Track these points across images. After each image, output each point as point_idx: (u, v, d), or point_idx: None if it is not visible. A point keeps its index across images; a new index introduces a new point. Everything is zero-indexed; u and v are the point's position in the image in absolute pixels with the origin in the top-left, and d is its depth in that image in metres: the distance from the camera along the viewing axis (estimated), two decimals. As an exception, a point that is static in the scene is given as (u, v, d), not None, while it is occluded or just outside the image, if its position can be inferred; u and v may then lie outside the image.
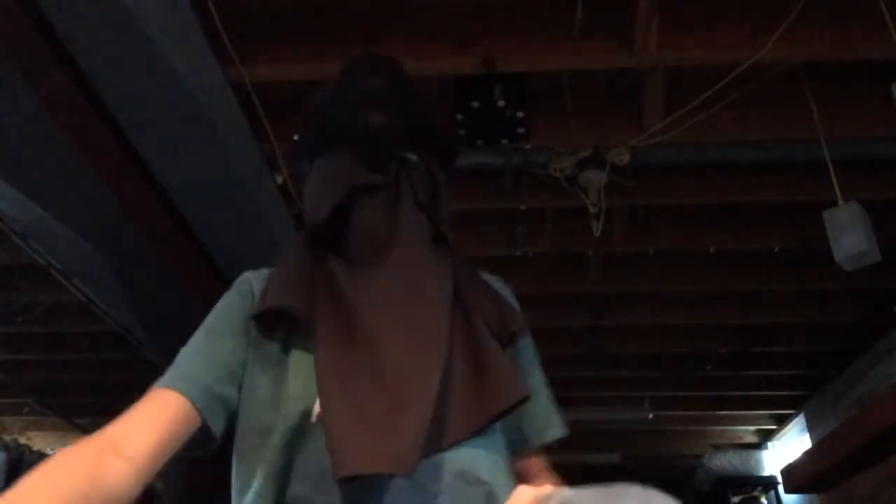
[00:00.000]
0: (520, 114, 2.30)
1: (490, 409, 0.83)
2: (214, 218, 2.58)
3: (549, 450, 0.97)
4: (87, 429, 5.35)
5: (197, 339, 0.90)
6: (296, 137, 1.01)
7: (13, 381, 4.60)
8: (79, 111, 2.01)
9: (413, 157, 0.96)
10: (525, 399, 0.84)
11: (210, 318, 0.93)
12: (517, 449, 0.94)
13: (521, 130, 2.35)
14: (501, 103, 2.26)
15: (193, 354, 0.88)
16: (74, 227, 2.53)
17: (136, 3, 1.71)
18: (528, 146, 2.48)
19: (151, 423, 0.78)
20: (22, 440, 5.41)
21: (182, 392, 0.81)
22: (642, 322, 3.93)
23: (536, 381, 0.98)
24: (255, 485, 0.82)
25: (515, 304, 1.02)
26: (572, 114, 2.49)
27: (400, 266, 0.89)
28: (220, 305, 0.94)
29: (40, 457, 5.19)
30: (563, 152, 2.55)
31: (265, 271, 0.97)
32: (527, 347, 1.00)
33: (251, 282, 0.95)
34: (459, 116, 2.27)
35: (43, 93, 1.94)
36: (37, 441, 5.59)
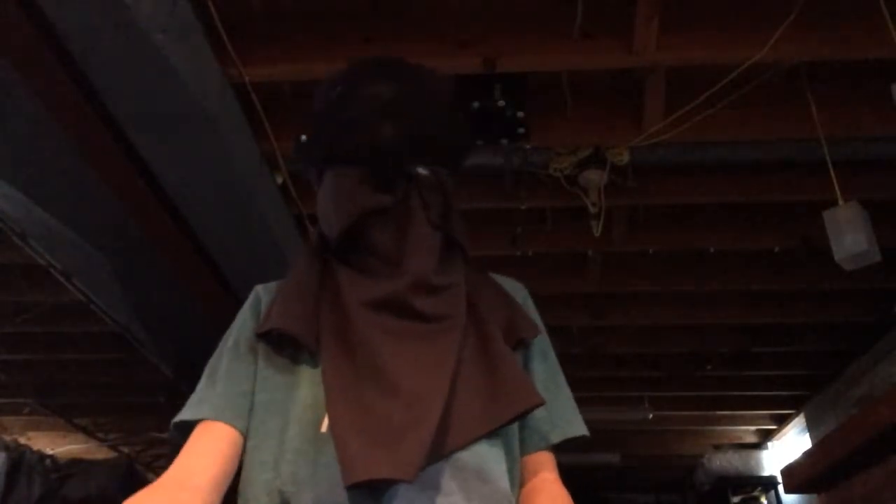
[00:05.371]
0: (520, 114, 2.30)
1: (501, 415, 0.83)
2: (214, 218, 2.58)
3: (556, 449, 0.96)
4: (87, 429, 5.37)
5: (221, 362, 0.93)
6: (303, 139, 0.98)
7: (13, 381, 4.60)
8: (79, 111, 2.01)
9: (424, 171, 0.93)
10: (538, 405, 0.84)
11: (228, 338, 0.96)
12: (534, 445, 0.93)
13: (521, 130, 2.35)
14: (501, 103, 2.26)
15: (224, 379, 0.91)
16: (74, 227, 2.52)
17: (136, 3, 1.71)
18: (528, 146, 2.48)
19: (208, 456, 0.85)
20: (22, 440, 5.41)
21: (226, 421, 0.88)
22: (642, 322, 3.93)
23: (554, 380, 0.98)
24: (264, 493, 0.82)
25: (531, 305, 1.02)
26: (572, 114, 2.49)
27: (409, 282, 0.89)
28: (235, 323, 0.97)
29: (40, 457, 5.21)
30: (563, 152, 2.55)
31: (273, 285, 0.99)
32: (543, 348, 1.00)
33: (260, 297, 0.98)
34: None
35: (43, 93, 1.93)
36: (37, 441, 5.59)
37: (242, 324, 0.96)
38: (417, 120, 0.93)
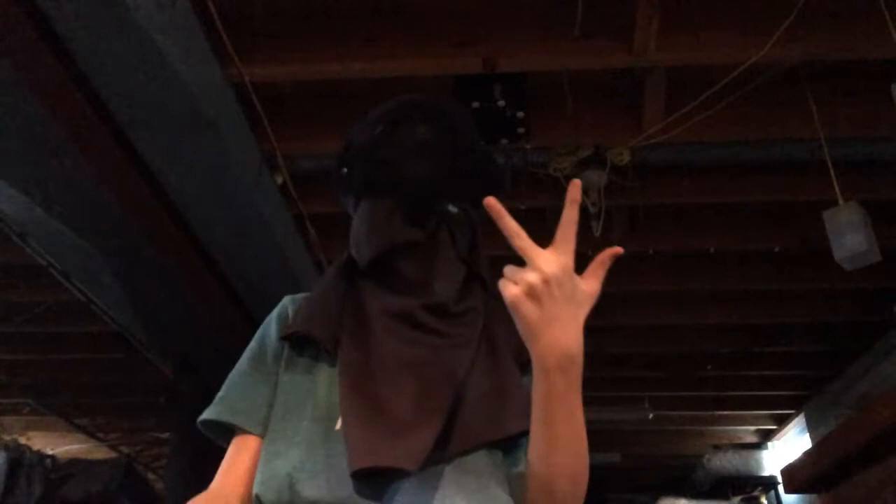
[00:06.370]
0: (520, 114, 2.30)
1: (504, 428, 0.88)
2: (214, 218, 2.58)
3: None
4: (87, 429, 5.37)
5: (246, 372, 0.99)
6: (344, 171, 1.04)
7: (13, 381, 4.60)
8: (79, 111, 2.01)
9: (454, 209, 1.00)
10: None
11: (254, 346, 1.02)
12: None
13: (521, 130, 2.35)
14: (501, 103, 2.26)
15: (251, 388, 0.96)
16: (74, 227, 2.53)
17: (136, 3, 1.71)
18: (528, 146, 2.48)
19: (245, 471, 0.92)
20: (22, 440, 5.41)
21: (257, 433, 0.94)
22: (642, 322, 3.93)
23: None
24: (274, 484, 0.85)
25: None
26: (572, 114, 2.49)
27: (429, 303, 0.94)
28: (260, 333, 1.02)
29: (40, 457, 5.21)
30: (563, 152, 2.55)
31: (300, 296, 1.05)
32: None
33: (287, 306, 1.04)
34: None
35: (43, 93, 1.93)
36: (37, 441, 5.59)
37: (267, 334, 1.01)
38: (451, 162, 1.00)
